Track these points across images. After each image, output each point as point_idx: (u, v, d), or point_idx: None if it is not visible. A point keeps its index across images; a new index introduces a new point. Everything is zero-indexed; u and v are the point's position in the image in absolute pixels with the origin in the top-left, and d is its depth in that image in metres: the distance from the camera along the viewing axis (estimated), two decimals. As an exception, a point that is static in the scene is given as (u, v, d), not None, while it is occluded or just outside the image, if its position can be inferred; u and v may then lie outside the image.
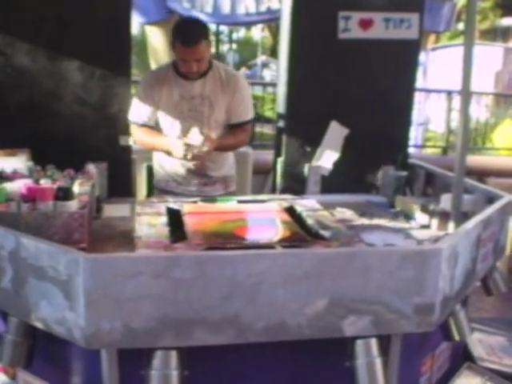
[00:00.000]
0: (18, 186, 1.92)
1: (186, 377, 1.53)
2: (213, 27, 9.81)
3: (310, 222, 2.19)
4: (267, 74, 15.81)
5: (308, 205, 2.44)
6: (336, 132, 2.89)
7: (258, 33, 17.93)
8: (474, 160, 5.29)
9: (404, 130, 3.05)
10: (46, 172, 2.12)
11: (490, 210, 2.05)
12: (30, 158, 2.36)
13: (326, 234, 2.02)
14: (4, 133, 2.42)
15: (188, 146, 2.50)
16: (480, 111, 8.06)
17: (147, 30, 6.92)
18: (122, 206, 2.46)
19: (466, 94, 2.17)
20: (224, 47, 16.91)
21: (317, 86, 2.80)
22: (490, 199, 2.30)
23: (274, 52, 16.36)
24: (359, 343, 1.61)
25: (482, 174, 5.30)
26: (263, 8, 5.71)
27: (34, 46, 2.53)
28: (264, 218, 2.28)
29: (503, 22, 17.38)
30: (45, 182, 1.97)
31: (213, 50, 8.79)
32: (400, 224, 2.40)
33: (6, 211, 1.83)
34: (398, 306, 1.58)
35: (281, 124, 2.96)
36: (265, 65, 16.92)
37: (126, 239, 2.01)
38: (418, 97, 6.94)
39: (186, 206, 2.34)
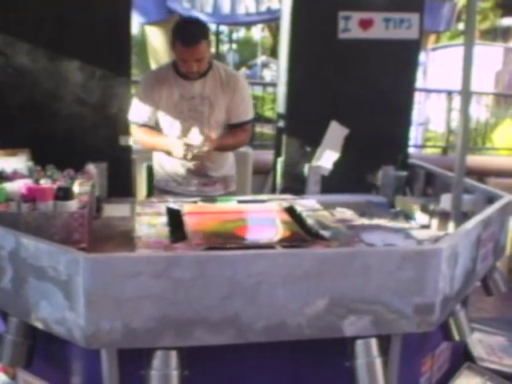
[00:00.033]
0: (18, 186, 1.92)
1: (186, 377, 1.53)
2: (213, 27, 9.79)
3: (309, 222, 2.19)
4: (267, 74, 15.81)
5: (308, 205, 2.44)
6: (336, 132, 2.89)
7: (258, 33, 17.93)
8: (474, 160, 5.29)
9: (404, 130, 3.05)
10: (46, 172, 2.12)
11: (490, 210, 2.05)
12: (30, 157, 2.36)
13: (326, 234, 2.02)
14: (4, 133, 2.42)
15: (188, 146, 2.50)
16: (480, 111, 8.06)
17: (147, 30, 6.93)
18: (121, 206, 2.46)
19: (466, 93, 2.17)
20: (224, 47, 16.90)
21: (317, 86, 2.80)
22: (490, 199, 2.30)
23: (274, 52, 16.36)
24: (359, 343, 1.61)
25: (482, 174, 5.30)
26: (263, 8, 5.71)
27: (34, 46, 2.53)
28: (264, 218, 2.28)
29: (503, 22, 17.38)
30: (45, 182, 1.97)
31: (213, 49, 8.79)
32: (400, 224, 2.40)
33: (6, 211, 1.83)
34: (398, 306, 1.58)
35: (281, 124, 2.96)
36: (265, 65, 16.92)
37: (126, 239, 2.01)
38: (418, 97, 6.94)
39: (186, 206, 2.34)
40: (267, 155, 3.86)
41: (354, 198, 2.77)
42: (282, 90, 2.91)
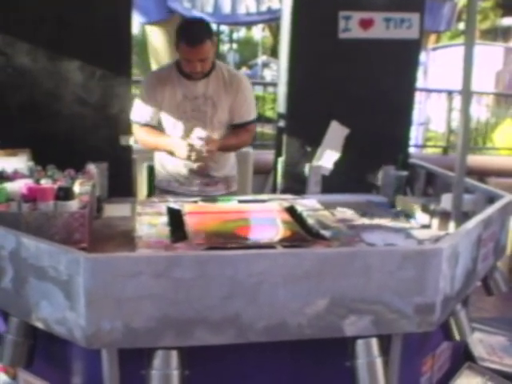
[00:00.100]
0: (18, 186, 1.92)
1: (186, 376, 1.53)
2: (213, 27, 9.80)
3: (310, 221, 2.19)
4: (268, 74, 15.81)
5: (308, 204, 2.44)
6: (336, 132, 2.89)
7: (258, 33, 17.93)
8: (475, 160, 5.29)
9: (405, 130, 3.05)
10: (46, 172, 2.12)
11: (491, 210, 2.05)
12: (30, 157, 2.36)
13: (326, 233, 2.02)
14: (5, 133, 2.42)
15: (191, 147, 2.50)
16: (481, 111, 8.05)
17: (147, 30, 6.91)
18: (122, 206, 2.46)
19: (467, 93, 2.17)
20: (224, 47, 16.91)
21: (317, 85, 2.80)
22: (491, 199, 2.30)
23: (274, 52, 16.35)
24: (360, 343, 1.61)
25: (482, 174, 5.30)
26: (264, 8, 5.70)
27: (34, 46, 2.53)
28: (265, 218, 2.28)
29: (504, 21, 17.38)
30: (45, 182, 1.97)
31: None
32: (401, 224, 2.40)
33: (6, 211, 1.83)
34: (399, 306, 1.58)
35: (281, 124, 2.96)
36: (265, 65, 16.92)
37: (127, 239, 2.01)
38: (418, 97, 6.94)
39: (186, 206, 2.34)
40: (268, 155, 3.86)
41: (355, 197, 2.77)
42: (282, 90, 2.91)
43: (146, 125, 2.67)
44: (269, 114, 8.01)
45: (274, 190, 3.04)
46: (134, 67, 2.81)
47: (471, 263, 1.86)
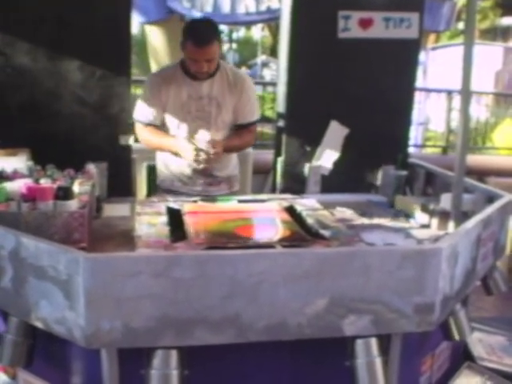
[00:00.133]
0: (18, 186, 1.92)
1: (186, 376, 1.53)
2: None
3: (309, 221, 2.19)
4: (267, 74, 15.81)
5: (308, 204, 2.44)
6: (336, 131, 2.89)
7: (257, 32, 17.93)
8: (474, 159, 5.29)
9: (404, 130, 3.05)
10: (46, 172, 2.12)
11: (490, 210, 2.05)
12: (30, 157, 2.36)
13: (326, 233, 2.02)
14: (4, 132, 2.42)
15: (198, 151, 2.50)
16: (480, 111, 8.06)
17: (147, 30, 6.92)
18: (122, 206, 2.46)
19: (466, 93, 2.17)
20: (224, 47, 16.90)
21: (317, 85, 2.80)
22: (490, 199, 2.31)
23: (273, 51, 16.35)
24: (359, 343, 1.61)
25: (482, 174, 5.31)
26: (263, 7, 5.71)
27: (34, 46, 2.53)
28: (264, 218, 2.28)
29: (503, 21, 17.39)
30: (45, 182, 1.97)
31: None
32: (400, 223, 2.40)
33: (6, 211, 1.83)
34: (398, 306, 1.58)
35: (281, 123, 2.95)
36: (265, 64, 16.92)
37: (126, 239, 2.01)
38: (418, 96, 6.93)
39: (186, 206, 2.34)
40: (267, 155, 3.86)
41: (354, 197, 2.77)
42: (281, 90, 2.91)
43: (150, 124, 2.66)
44: (268, 113, 8.01)
45: (273, 190, 3.04)
46: (133, 67, 2.81)
47: (471, 263, 1.86)
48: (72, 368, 1.74)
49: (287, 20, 2.79)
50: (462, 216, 2.18)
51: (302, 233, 2.04)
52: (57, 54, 2.56)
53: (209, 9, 5.71)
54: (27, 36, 2.52)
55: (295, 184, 2.89)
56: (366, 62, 2.82)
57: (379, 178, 2.94)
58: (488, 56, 11.33)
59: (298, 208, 2.37)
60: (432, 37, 11.33)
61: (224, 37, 16.54)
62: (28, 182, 1.97)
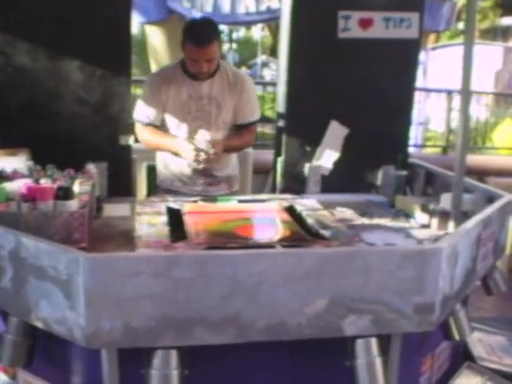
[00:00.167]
0: (18, 186, 1.92)
1: (186, 376, 1.53)
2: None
3: (310, 221, 2.19)
4: (267, 74, 15.81)
5: (308, 204, 2.44)
6: (336, 131, 2.89)
7: (257, 32, 17.92)
8: (474, 159, 5.30)
9: (404, 130, 3.05)
10: (46, 172, 2.12)
11: (490, 210, 2.05)
12: (30, 157, 2.36)
13: (326, 233, 2.02)
14: (4, 132, 2.42)
15: (198, 151, 2.50)
16: (480, 111, 8.06)
17: (147, 30, 6.92)
18: (122, 206, 2.46)
19: (466, 93, 2.17)
20: (224, 47, 16.90)
21: (317, 85, 2.80)
22: (490, 199, 2.31)
23: (273, 51, 16.36)
24: (359, 343, 1.61)
25: (482, 174, 5.31)
26: (263, 7, 5.71)
27: (34, 46, 2.53)
28: (264, 218, 2.28)
29: (503, 21, 17.39)
30: (45, 182, 1.97)
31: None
32: (400, 223, 2.40)
33: (6, 211, 1.83)
34: (398, 306, 1.58)
35: (281, 123, 2.95)
36: (265, 64, 16.92)
37: (126, 239, 2.01)
38: (418, 96, 6.93)
39: (186, 206, 2.34)
40: (267, 155, 3.86)
41: (354, 197, 2.77)
42: (281, 90, 2.91)
43: (150, 124, 2.66)
44: (268, 113, 8.01)
45: (273, 190, 3.04)
46: (133, 67, 2.81)
47: (470, 263, 1.86)
48: (72, 368, 1.74)
49: (287, 20, 2.79)
50: (462, 216, 2.18)
51: (302, 233, 2.04)
52: (57, 53, 2.56)
53: (209, 9, 5.72)
54: (27, 36, 2.52)
55: (295, 184, 2.89)
56: (366, 62, 2.82)
57: (379, 178, 2.94)
58: (488, 56, 11.33)
59: (298, 208, 2.37)
60: (432, 37, 11.33)
61: (224, 37, 16.53)
62: (28, 182, 1.97)
